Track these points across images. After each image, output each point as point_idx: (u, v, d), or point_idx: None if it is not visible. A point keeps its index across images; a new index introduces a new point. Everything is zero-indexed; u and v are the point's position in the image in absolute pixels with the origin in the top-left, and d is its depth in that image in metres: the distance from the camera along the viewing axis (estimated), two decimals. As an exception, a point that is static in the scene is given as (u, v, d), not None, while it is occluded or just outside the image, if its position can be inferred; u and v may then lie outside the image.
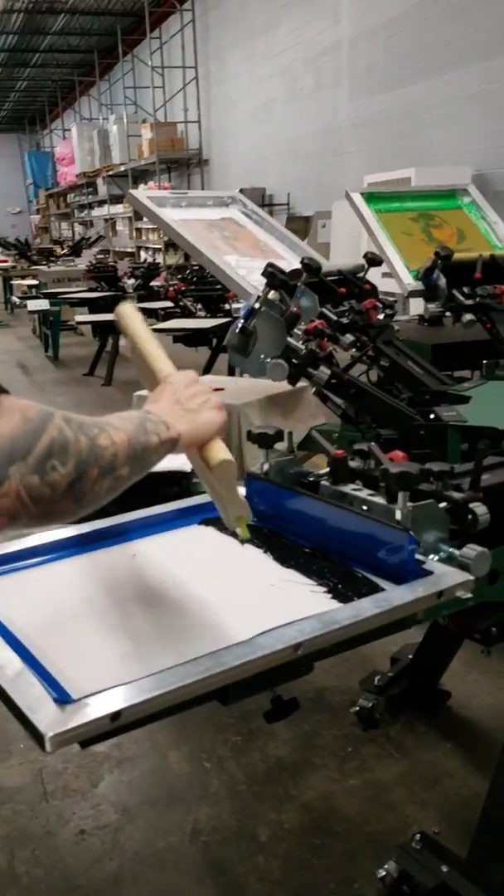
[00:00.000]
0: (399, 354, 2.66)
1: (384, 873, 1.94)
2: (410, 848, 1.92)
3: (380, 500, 1.49)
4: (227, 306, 6.84)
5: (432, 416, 2.29)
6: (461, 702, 2.74)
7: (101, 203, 20.14)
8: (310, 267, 2.66)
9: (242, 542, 1.30)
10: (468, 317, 3.13)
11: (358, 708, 2.50)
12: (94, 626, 1.26)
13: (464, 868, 1.82)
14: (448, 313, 3.25)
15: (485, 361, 2.72)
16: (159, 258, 14.59)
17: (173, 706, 1.05)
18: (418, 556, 1.36)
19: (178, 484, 1.80)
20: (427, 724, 2.65)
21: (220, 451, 1.21)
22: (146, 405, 1.21)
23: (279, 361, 2.51)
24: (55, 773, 2.48)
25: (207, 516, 1.63)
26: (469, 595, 1.34)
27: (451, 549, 1.39)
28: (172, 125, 15.76)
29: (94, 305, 8.94)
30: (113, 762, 2.53)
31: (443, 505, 1.48)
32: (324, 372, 2.47)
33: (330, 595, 1.33)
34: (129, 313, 1.37)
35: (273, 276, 2.57)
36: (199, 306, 7.12)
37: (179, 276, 8.03)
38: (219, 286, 6.62)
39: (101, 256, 12.06)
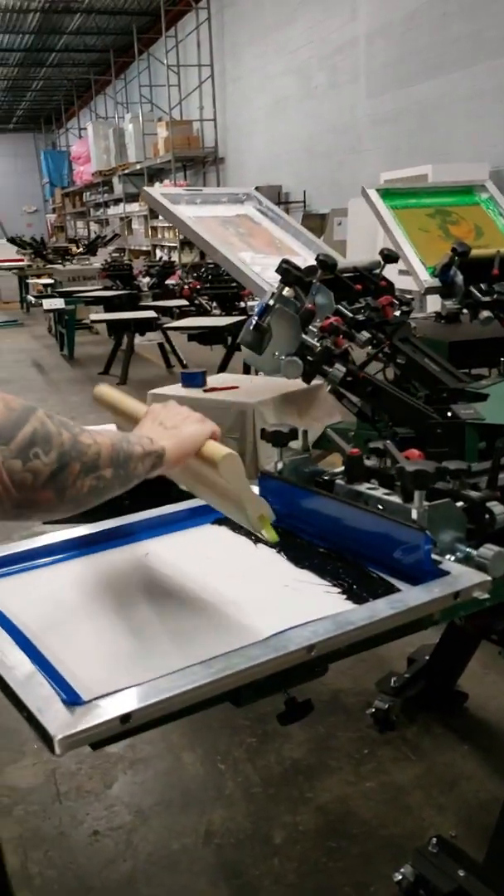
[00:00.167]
0: (416, 352, 2.62)
1: (400, 877, 1.91)
2: (427, 852, 1.89)
3: (396, 499, 1.47)
4: (242, 304, 6.84)
5: (449, 413, 2.26)
6: (479, 703, 2.71)
7: (116, 201, 20.19)
8: (325, 263, 2.64)
9: (273, 543, 1.26)
10: (486, 314, 3.10)
11: (374, 709, 2.48)
12: (106, 627, 1.24)
13: (481, 872, 1.79)
14: (465, 310, 3.21)
15: (503, 359, 2.69)
16: (175, 256, 14.60)
17: (185, 708, 1.03)
18: (434, 557, 1.33)
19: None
20: (444, 726, 2.62)
21: (219, 448, 1.20)
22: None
23: (294, 359, 2.49)
24: (68, 774, 2.47)
25: (220, 515, 1.61)
26: (486, 596, 1.31)
27: (468, 549, 1.37)
28: (188, 123, 15.78)
29: (109, 304, 8.95)
30: (127, 763, 2.51)
31: (460, 504, 1.45)
32: (339, 369, 2.44)
33: (345, 596, 1.31)
34: (106, 394, 1.38)
35: (288, 272, 2.54)
36: (214, 304, 7.12)
37: (194, 275, 8.02)
38: (234, 284, 6.61)
39: (117, 255, 12.09)
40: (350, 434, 2.94)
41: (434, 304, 4.08)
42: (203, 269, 7.87)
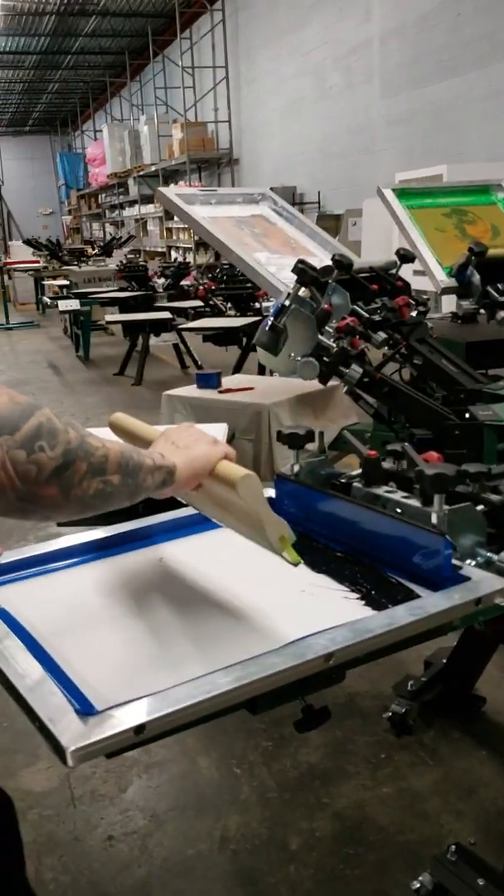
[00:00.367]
0: (432, 352, 2.60)
1: (418, 885, 1.88)
2: (446, 859, 1.86)
3: (414, 502, 1.44)
4: (257, 305, 6.81)
5: (467, 415, 2.24)
6: (497, 708, 2.67)
7: (132, 203, 20.24)
8: (341, 263, 2.62)
9: (294, 565, 1.23)
10: (503, 314, 3.08)
11: (391, 713, 2.46)
12: (119, 632, 1.23)
13: (501, 881, 1.76)
14: (482, 310, 3.19)
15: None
16: (190, 258, 14.61)
17: (199, 717, 1.01)
18: (455, 562, 1.31)
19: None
20: (462, 731, 2.59)
21: (237, 469, 1.19)
22: None
23: (310, 360, 2.47)
24: (83, 778, 2.46)
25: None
26: (508, 602, 1.29)
27: (489, 554, 1.35)
28: (203, 125, 15.80)
29: (124, 305, 8.97)
30: (141, 767, 2.50)
31: (480, 508, 1.43)
32: (356, 370, 2.42)
33: (363, 602, 1.28)
34: (121, 420, 1.39)
35: (304, 272, 2.52)
36: (229, 305, 7.10)
37: (209, 275, 8.01)
38: (249, 285, 6.59)
39: (132, 256, 12.08)
40: (366, 435, 2.92)
41: (450, 304, 4.05)
42: (218, 270, 7.86)
